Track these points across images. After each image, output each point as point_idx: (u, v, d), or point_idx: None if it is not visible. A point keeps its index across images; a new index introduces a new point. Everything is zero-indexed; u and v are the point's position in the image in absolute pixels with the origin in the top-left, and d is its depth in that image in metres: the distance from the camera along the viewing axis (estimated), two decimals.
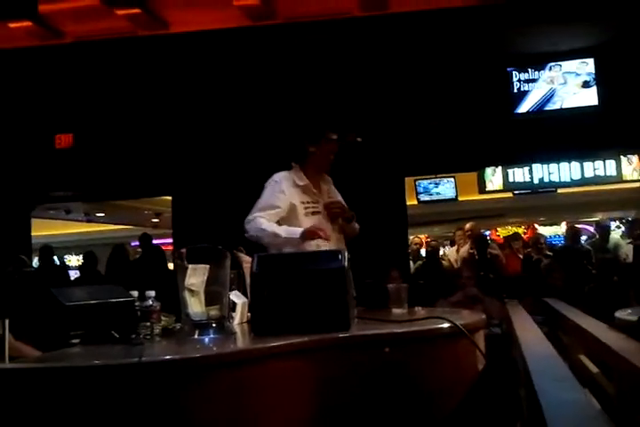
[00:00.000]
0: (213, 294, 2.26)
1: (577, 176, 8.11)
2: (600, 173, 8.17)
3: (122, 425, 1.69)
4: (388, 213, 6.85)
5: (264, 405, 1.89)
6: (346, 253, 2.30)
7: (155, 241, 8.14)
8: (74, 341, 2.09)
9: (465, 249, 6.45)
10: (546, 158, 7.83)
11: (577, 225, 9.54)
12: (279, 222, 3.18)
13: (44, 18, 6.90)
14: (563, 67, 7.10)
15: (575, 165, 8.07)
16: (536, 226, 13.39)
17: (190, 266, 2.25)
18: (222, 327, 2.20)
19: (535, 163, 8.01)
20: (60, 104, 7.53)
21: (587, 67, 7.03)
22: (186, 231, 7.09)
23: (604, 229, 7.59)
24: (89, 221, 12.36)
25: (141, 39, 7.19)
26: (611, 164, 8.14)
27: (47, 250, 7.95)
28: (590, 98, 7.02)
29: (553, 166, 8.08)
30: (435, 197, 8.56)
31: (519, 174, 8.15)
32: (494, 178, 8.33)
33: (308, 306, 2.17)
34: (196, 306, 2.23)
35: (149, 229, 10.59)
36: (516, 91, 7.14)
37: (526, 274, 6.42)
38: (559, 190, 8.61)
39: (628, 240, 7.10)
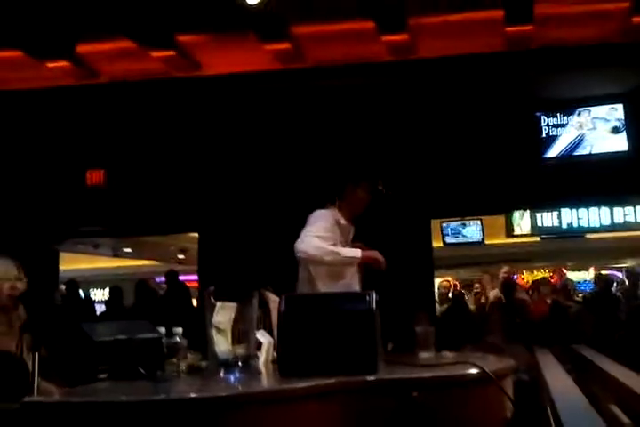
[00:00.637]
0: (240, 333, 2.27)
1: (606, 221, 8.02)
2: (630, 218, 8.07)
3: None
4: (414, 255, 6.81)
5: None
6: (374, 295, 2.29)
7: (179, 277, 8.18)
8: (101, 376, 2.09)
9: (494, 293, 6.37)
10: (575, 203, 7.77)
11: (605, 271, 9.38)
12: None
13: (81, 58, 7.14)
14: (592, 112, 7.11)
15: (605, 210, 8.00)
16: (563, 270, 13.19)
17: (218, 304, 2.27)
18: (248, 366, 2.19)
19: (564, 207, 7.95)
20: (92, 142, 7.70)
21: (616, 113, 7.03)
22: (211, 268, 7.11)
23: (634, 276, 7.45)
24: (116, 255, 12.47)
25: (174, 80, 7.38)
26: None
27: (73, 284, 8.03)
28: (620, 143, 7.00)
29: (582, 211, 8.01)
30: (461, 240, 8.52)
31: (547, 218, 8.09)
32: (522, 222, 8.27)
33: (335, 347, 2.15)
34: (222, 344, 2.23)
35: (174, 264, 10.64)
36: (544, 135, 7.15)
37: (554, 320, 6.30)
38: (588, 235, 8.51)
39: None
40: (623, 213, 8.02)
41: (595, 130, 7.07)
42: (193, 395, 1.88)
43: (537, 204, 7.69)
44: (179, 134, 7.50)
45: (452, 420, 2.13)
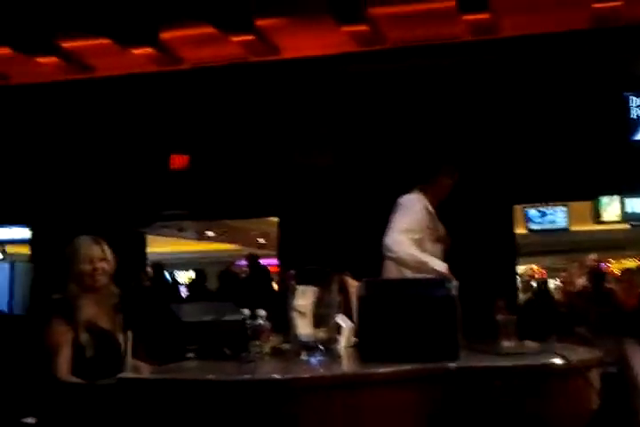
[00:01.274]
0: (320, 317, 2.29)
1: None
2: None
3: None
4: (496, 242, 6.66)
5: None
6: (455, 282, 2.27)
7: (260, 261, 8.33)
8: (189, 355, 2.17)
9: (580, 283, 6.16)
10: None
11: None
12: None
13: (164, 44, 7.33)
14: None
15: None
16: None
17: (299, 287, 2.30)
18: (329, 350, 2.21)
19: None
20: (176, 127, 7.91)
21: None
22: (291, 253, 7.20)
23: None
24: (199, 239, 12.81)
25: (254, 65, 7.48)
26: None
27: (158, 267, 8.32)
28: None
29: None
30: (546, 226, 8.26)
31: (638, 204, 7.73)
32: (610, 208, 7.94)
33: (415, 334, 2.14)
34: (304, 327, 2.26)
35: (255, 249, 10.85)
36: (633, 116, 6.81)
37: None
38: None
39: None
40: None
41: None
42: (276, 376, 1.93)
43: (626, 189, 7.35)
44: (259, 118, 7.59)
45: (535, 411, 2.08)
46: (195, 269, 8.51)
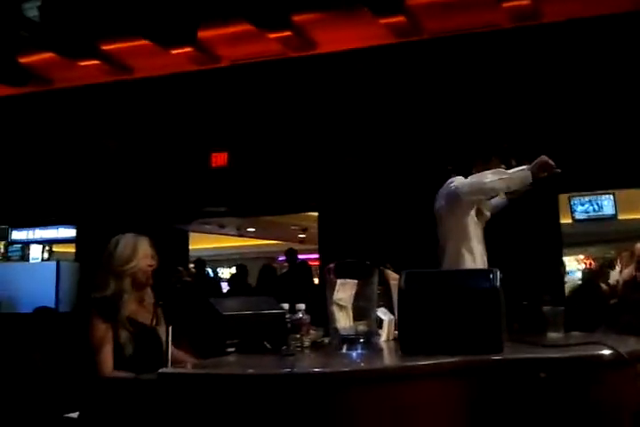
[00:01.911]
0: (361, 310, 2.27)
1: None
2: None
3: None
4: (541, 232, 6.52)
5: (409, 425, 1.86)
6: (498, 273, 2.22)
7: (300, 256, 8.35)
8: (229, 349, 2.18)
9: (628, 272, 5.97)
10: None
11: None
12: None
13: (203, 43, 7.39)
14: None
15: None
16: None
17: (339, 281, 2.28)
18: (370, 343, 2.19)
19: None
20: (216, 124, 7.97)
21: None
22: (331, 247, 7.20)
23: None
24: (240, 235, 12.91)
25: (292, 60, 7.48)
26: None
27: (200, 263, 8.42)
28: None
29: None
30: (592, 215, 8.04)
31: None
32: None
33: (458, 326, 2.10)
34: (344, 321, 2.25)
35: (296, 244, 10.88)
36: None
37: None
38: None
39: None
40: None
41: None
42: (317, 370, 1.91)
43: None
44: (298, 114, 7.59)
45: (582, 404, 2.03)
46: (236, 265, 8.58)
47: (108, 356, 2.45)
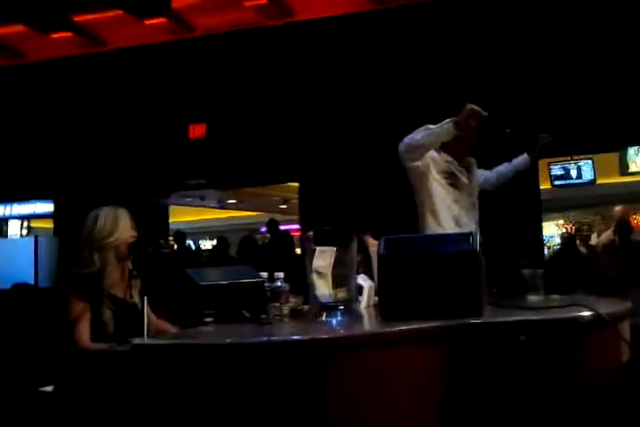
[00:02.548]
0: (340, 277, 2.25)
1: None
2: None
3: (248, 402, 1.72)
4: (521, 198, 6.54)
5: (390, 390, 1.85)
6: (478, 236, 2.20)
7: (282, 227, 8.32)
8: (207, 319, 2.16)
9: (606, 235, 6.02)
10: None
11: None
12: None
13: (176, 13, 7.22)
14: None
15: None
16: None
17: (318, 248, 2.25)
18: (350, 310, 2.18)
19: None
20: (193, 95, 7.85)
21: None
22: (312, 217, 7.18)
23: None
24: (221, 207, 12.86)
25: (268, 29, 7.34)
26: None
27: (180, 235, 8.36)
28: None
29: None
30: (571, 181, 8.06)
31: None
32: (638, 158, 7.74)
33: (437, 291, 2.09)
34: (323, 288, 2.23)
35: (277, 215, 10.85)
36: None
37: None
38: None
39: None
40: None
41: None
42: (295, 337, 1.90)
43: None
44: (276, 84, 7.49)
45: (563, 365, 2.03)
46: (217, 237, 8.55)
47: (84, 330, 2.42)
